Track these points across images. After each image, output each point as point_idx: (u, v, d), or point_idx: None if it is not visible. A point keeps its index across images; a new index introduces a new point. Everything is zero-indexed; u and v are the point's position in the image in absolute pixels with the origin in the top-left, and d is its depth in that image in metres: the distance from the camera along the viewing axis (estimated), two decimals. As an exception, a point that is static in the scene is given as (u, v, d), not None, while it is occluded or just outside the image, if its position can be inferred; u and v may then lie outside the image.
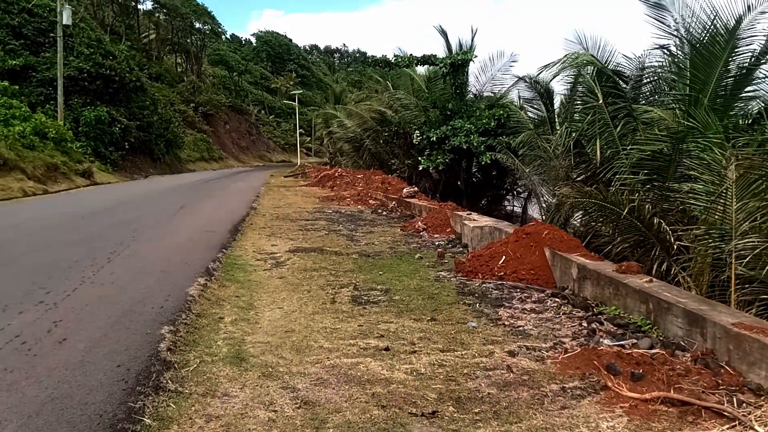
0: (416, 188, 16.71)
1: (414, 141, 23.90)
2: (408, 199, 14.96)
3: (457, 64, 23.06)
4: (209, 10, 79.79)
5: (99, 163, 35.01)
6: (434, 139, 22.24)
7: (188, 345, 4.42)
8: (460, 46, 23.84)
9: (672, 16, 10.76)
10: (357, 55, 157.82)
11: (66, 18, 30.40)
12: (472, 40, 23.81)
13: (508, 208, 26.43)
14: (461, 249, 9.22)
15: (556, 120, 19.26)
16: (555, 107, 19.28)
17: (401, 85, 28.00)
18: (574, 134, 11.61)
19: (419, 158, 23.31)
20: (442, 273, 7.52)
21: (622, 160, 10.39)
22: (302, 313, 5.63)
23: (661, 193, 9.64)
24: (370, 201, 17.40)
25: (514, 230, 7.84)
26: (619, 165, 10.35)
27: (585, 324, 5.11)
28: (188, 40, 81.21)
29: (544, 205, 18.51)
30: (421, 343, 4.70)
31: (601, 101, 10.83)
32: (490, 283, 6.85)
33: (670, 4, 10.76)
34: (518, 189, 25.00)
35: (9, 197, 19.84)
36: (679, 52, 10.96)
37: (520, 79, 20.08)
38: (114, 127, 38.33)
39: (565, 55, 12.12)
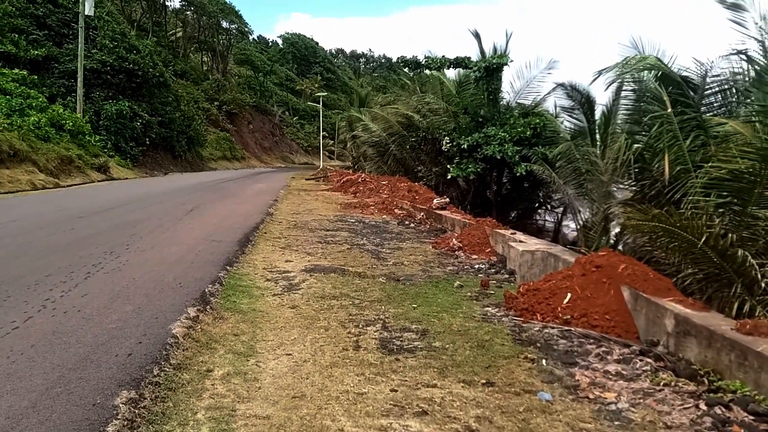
0: (447, 199, 15.34)
1: (443, 148, 22.54)
2: (438, 211, 13.59)
3: (492, 68, 21.66)
4: (236, 9, 79.26)
5: (118, 158, 34.27)
6: (465, 146, 20.88)
7: (153, 422, 3.10)
8: (495, 50, 22.46)
9: (752, 17, 9.37)
10: (383, 60, 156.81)
11: (88, 8, 29.60)
12: (507, 45, 22.44)
13: (539, 222, 25.00)
14: (507, 276, 7.84)
15: (597, 131, 17.86)
16: (596, 117, 17.91)
17: (429, 90, 26.73)
18: (636, 146, 10.17)
19: (448, 166, 21.95)
20: (490, 309, 6.15)
21: (692, 179, 8.97)
22: (317, 364, 4.31)
23: (741, 219, 8.20)
24: (396, 210, 16.07)
25: (577, 260, 6.43)
26: (690, 185, 8.93)
27: (704, 407, 3.70)
28: (215, 39, 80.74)
29: (581, 222, 17.07)
30: (481, 429, 3.34)
31: (669, 110, 9.40)
32: (553, 327, 5.46)
33: (750, 4, 9.35)
34: (552, 203, 23.55)
35: (16, 190, 18.88)
36: (761, 57, 9.54)
37: (559, 85, 18.68)
38: (135, 122, 37.62)
39: (625, 58, 10.72)
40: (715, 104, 10.88)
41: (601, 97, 22.84)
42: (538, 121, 20.35)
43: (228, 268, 7.26)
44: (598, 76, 11.57)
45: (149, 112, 40.42)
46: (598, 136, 17.39)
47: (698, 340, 4.44)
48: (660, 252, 8.67)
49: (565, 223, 21.59)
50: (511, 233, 9.25)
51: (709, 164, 8.21)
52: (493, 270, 8.27)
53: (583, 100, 17.87)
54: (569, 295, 5.78)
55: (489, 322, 5.65)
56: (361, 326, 5.34)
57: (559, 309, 5.69)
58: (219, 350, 4.44)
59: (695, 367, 4.37)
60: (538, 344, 5.06)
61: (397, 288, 6.91)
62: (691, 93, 10.45)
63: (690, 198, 8.63)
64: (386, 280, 7.34)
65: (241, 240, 9.49)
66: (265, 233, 10.79)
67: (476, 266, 8.53)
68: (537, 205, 24.96)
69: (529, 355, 4.73)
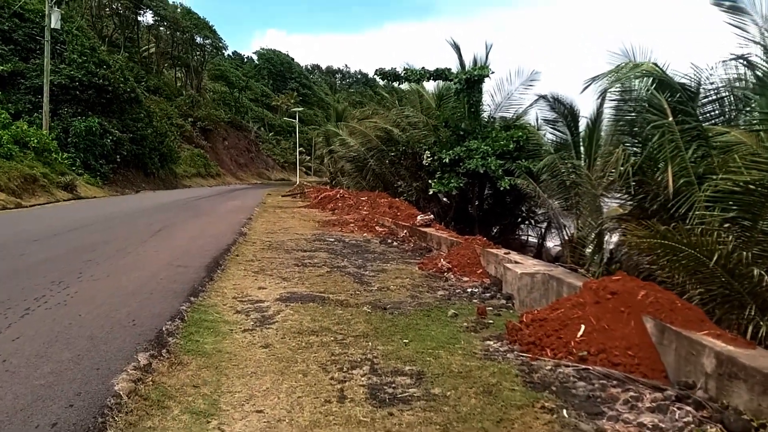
0: (432, 216, 14.64)
1: (424, 162, 21.90)
2: (423, 229, 12.86)
3: (473, 80, 21.15)
4: (211, 24, 78.29)
5: (88, 176, 33.04)
6: (447, 160, 20.24)
7: None
8: (475, 62, 21.97)
9: (754, 20, 8.87)
10: (358, 76, 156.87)
11: (54, 21, 28.55)
12: (487, 56, 21.97)
13: (522, 237, 24.43)
14: (504, 302, 7.11)
15: (582, 144, 17.41)
16: (580, 130, 17.47)
17: (408, 103, 26.21)
18: (633, 158, 9.56)
19: (429, 181, 21.29)
20: (491, 343, 5.41)
21: (696, 192, 8.38)
22: (294, 425, 3.52)
23: (750, 235, 7.62)
24: (377, 228, 15.31)
25: (586, 285, 5.71)
26: (694, 198, 8.34)
27: (776, 476, 2.99)
28: (189, 55, 79.67)
29: (566, 238, 16.52)
30: None
31: (671, 119, 8.83)
32: (567, 366, 4.73)
33: (750, 6, 8.85)
34: (536, 218, 23.01)
35: (-28, 211, 17.75)
36: (763, 62, 9.03)
37: (541, 97, 18.23)
38: (105, 138, 36.42)
39: (618, 66, 10.16)
40: (712, 113, 10.35)
41: (585, 108, 22.41)
42: (521, 134, 19.83)
43: (192, 299, 6.40)
44: (590, 85, 10.95)
45: (120, 129, 39.23)
46: (582, 149, 16.91)
47: (749, 384, 3.74)
48: (664, 271, 8.03)
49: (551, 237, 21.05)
50: (505, 253, 8.54)
51: (719, 176, 7.60)
52: (487, 294, 7.54)
53: (566, 112, 17.37)
54: (583, 326, 5.07)
55: (493, 360, 4.91)
56: (345, 369, 4.56)
57: (572, 343, 4.97)
58: (173, 409, 3.61)
59: (747, 417, 3.67)
60: (554, 388, 4.32)
61: (384, 319, 6.13)
62: (690, 101, 9.94)
63: (696, 213, 8.04)
64: (372, 309, 6.56)
65: (210, 265, 8.63)
66: (237, 256, 9.94)
67: (469, 290, 7.80)
68: (519, 220, 24.42)
69: (545, 404, 4.00)
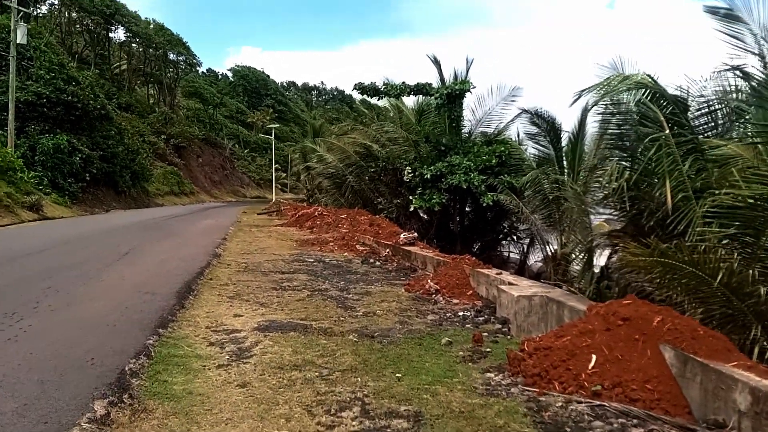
0: (415, 234, 14.16)
1: (404, 178, 21.49)
2: (407, 247, 12.37)
3: (454, 95, 20.92)
4: (184, 40, 77.36)
5: (56, 195, 31.95)
6: (428, 176, 19.88)
7: None
8: (455, 76, 21.73)
9: (750, 29, 8.62)
10: (335, 93, 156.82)
11: (20, 36, 27.67)
12: (467, 71, 21.77)
13: (504, 254, 24.10)
14: (499, 327, 6.63)
15: (564, 158, 17.21)
16: (562, 144, 17.27)
17: (387, 119, 25.90)
18: (627, 173, 9.19)
19: (410, 197, 20.88)
20: (492, 375, 4.92)
21: (694, 208, 8.07)
22: (276, 488, 2.97)
23: (752, 252, 7.31)
24: (358, 247, 14.78)
25: (593, 310, 5.25)
26: (692, 214, 8.03)
27: None
28: (162, 72, 78.57)
29: (550, 254, 16.22)
30: None
31: (668, 131, 8.51)
32: (580, 402, 4.25)
33: (747, 15, 8.60)
34: (518, 234, 22.69)
35: (-71, 234, 16.81)
36: (759, 72, 8.77)
37: (523, 111, 18.03)
38: (74, 156, 35.36)
39: (608, 78, 9.85)
40: (705, 125, 10.08)
41: (567, 122, 22.26)
42: (503, 148, 19.56)
43: (160, 330, 5.79)
44: (579, 98, 10.64)
45: (90, 146, 38.17)
46: (565, 163, 16.67)
47: (794, 426, 3.30)
48: (662, 291, 7.64)
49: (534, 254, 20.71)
50: (497, 273, 8.09)
51: (722, 191, 7.26)
52: (481, 318, 7.06)
53: (548, 127, 17.17)
54: (594, 357, 4.61)
55: (496, 396, 4.42)
56: (333, 412, 4.02)
57: (583, 376, 4.50)
58: (132, 473, 3.05)
59: (793, 464, 3.23)
60: (568, 429, 3.86)
61: (372, 349, 5.60)
62: (683, 114, 9.66)
63: (696, 229, 7.70)
64: (358, 337, 6.02)
65: (181, 290, 7.99)
66: (211, 279, 9.32)
67: (460, 313, 7.31)
68: (501, 236, 24.10)
69: (563, 451, 3.51)
